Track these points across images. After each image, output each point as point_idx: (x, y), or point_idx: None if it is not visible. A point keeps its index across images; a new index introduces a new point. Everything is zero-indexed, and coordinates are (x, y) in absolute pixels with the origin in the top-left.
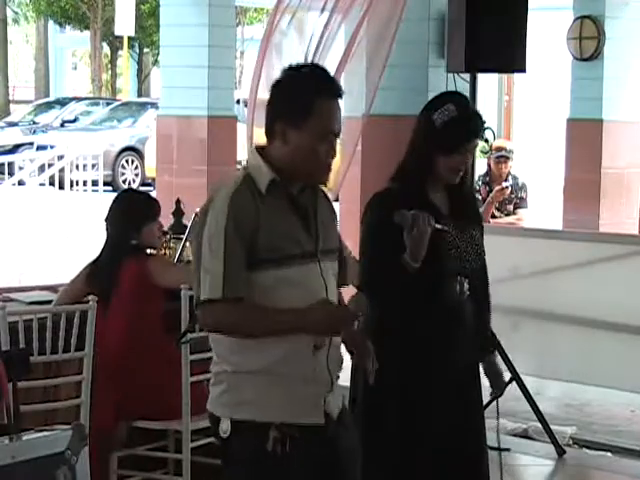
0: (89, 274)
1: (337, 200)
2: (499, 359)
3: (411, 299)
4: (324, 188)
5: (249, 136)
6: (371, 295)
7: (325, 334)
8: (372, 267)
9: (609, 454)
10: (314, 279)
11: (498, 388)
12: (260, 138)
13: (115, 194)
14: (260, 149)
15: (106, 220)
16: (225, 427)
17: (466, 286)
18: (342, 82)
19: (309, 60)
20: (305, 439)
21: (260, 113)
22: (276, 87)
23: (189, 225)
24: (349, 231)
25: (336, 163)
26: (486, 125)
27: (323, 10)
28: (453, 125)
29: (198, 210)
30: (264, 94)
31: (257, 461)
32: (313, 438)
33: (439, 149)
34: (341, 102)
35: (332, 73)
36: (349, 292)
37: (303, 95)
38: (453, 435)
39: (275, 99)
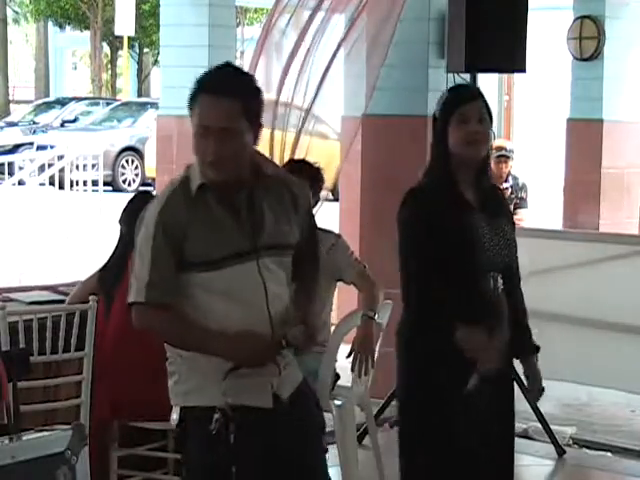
0: (101, 275)
1: (337, 200)
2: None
3: (448, 298)
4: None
5: None
6: (411, 294)
7: (245, 365)
8: (411, 264)
9: (609, 454)
10: (249, 279)
11: (535, 390)
12: None
13: (115, 194)
14: None
15: (120, 221)
16: (175, 416)
17: (500, 281)
18: (341, 81)
19: (308, 59)
20: (252, 422)
21: None
22: None
23: None
24: (349, 231)
25: (335, 162)
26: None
27: (321, 9)
28: (445, 102)
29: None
30: None
31: (203, 445)
32: (261, 421)
33: (446, 132)
34: (219, 99)
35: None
36: (347, 291)
37: (191, 91)
38: (484, 440)
39: None
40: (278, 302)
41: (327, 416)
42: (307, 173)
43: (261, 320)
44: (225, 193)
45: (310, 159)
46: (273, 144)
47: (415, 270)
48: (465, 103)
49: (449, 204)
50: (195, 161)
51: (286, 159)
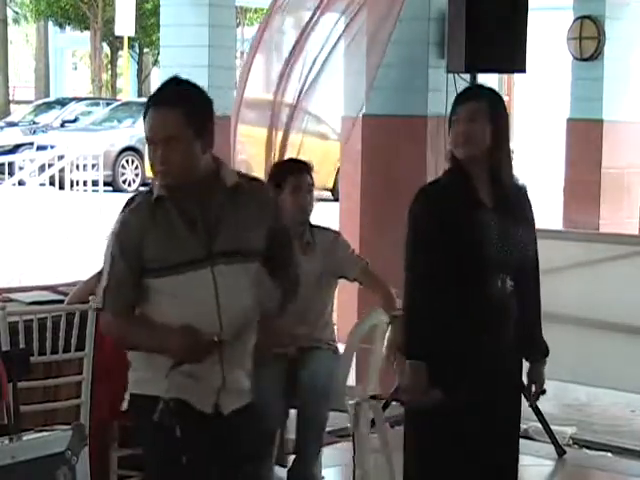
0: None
1: (337, 200)
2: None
3: (454, 296)
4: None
5: (233, 133)
6: (415, 292)
7: (184, 361)
8: (418, 262)
9: (609, 454)
10: (201, 285)
11: (536, 393)
12: (244, 135)
13: (115, 194)
14: None
15: None
16: (125, 402)
17: (509, 282)
18: (341, 80)
19: (308, 59)
20: (196, 419)
21: (246, 111)
22: None
23: None
24: (349, 231)
25: (334, 162)
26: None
27: (320, 9)
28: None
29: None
30: (254, 93)
31: (150, 433)
32: (205, 421)
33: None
34: (164, 111)
35: (318, 71)
36: (347, 291)
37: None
38: (488, 440)
39: None
40: (232, 308)
41: (335, 415)
42: (296, 172)
43: (211, 326)
44: (180, 201)
45: (304, 158)
46: (271, 144)
47: (421, 268)
48: (459, 105)
49: (460, 201)
50: None
51: (278, 158)
